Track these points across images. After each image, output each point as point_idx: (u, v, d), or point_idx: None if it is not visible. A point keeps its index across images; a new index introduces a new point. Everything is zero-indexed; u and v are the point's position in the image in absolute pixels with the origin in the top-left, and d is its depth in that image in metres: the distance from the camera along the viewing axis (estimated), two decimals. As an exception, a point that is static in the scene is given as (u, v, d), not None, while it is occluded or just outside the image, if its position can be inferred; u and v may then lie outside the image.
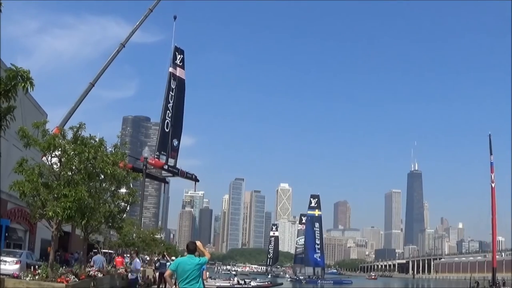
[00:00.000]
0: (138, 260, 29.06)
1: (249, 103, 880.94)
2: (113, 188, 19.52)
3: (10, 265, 26.60)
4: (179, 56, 72.13)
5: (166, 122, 68.94)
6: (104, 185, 18.59)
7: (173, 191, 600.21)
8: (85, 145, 15.96)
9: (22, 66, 9.66)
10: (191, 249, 12.00)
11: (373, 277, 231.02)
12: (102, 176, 17.66)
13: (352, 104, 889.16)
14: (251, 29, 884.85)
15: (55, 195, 14.49)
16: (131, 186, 23.85)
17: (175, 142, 69.64)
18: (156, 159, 65.26)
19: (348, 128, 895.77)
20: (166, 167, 67.22)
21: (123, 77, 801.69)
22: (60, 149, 15.39)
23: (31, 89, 9.87)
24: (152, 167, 64.57)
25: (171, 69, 70.50)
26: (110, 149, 18.20)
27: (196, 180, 77.46)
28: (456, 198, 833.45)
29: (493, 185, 74.29)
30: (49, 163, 15.56)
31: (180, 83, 71.43)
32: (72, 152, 15.56)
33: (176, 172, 69.81)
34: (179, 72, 71.46)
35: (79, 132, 16.43)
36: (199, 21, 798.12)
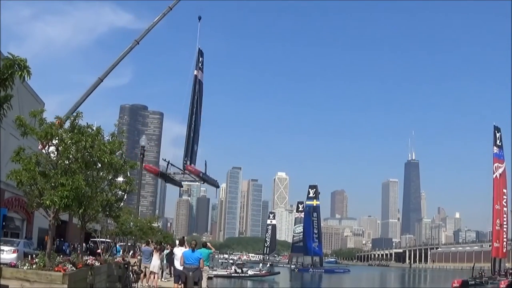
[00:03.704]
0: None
1: (246, 92, 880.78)
2: (110, 177, 19.39)
3: (7, 254, 26.61)
4: (201, 58, 69.43)
5: (191, 127, 66.15)
6: (101, 174, 18.48)
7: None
8: (82, 134, 15.88)
9: (15, 53, 9.62)
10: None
11: None
12: (99, 165, 17.57)
13: (349, 94, 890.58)
14: (245, 9, 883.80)
15: (52, 184, 14.42)
16: (129, 175, 23.78)
17: (195, 147, 67.34)
18: (195, 168, 63.17)
19: (345, 117, 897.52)
20: (201, 174, 64.67)
21: (118, 65, 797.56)
22: (57, 138, 15.32)
23: (28, 77, 9.82)
24: (188, 173, 62.81)
25: (195, 72, 67.66)
26: (107, 138, 18.10)
27: (217, 186, 76.52)
28: (453, 187, 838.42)
29: (494, 176, 74.72)
30: (46, 152, 15.49)
31: (200, 86, 68.98)
32: (69, 141, 15.49)
33: (206, 179, 67.33)
34: (199, 75, 68.91)
35: (76, 120, 16.35)
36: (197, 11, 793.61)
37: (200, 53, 68.81)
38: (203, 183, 72.15)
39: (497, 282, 67.60)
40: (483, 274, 72.78)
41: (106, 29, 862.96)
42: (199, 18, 70.90)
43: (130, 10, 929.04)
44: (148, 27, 66.01)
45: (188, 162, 63.54)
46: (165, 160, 62.23)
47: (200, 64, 68.56)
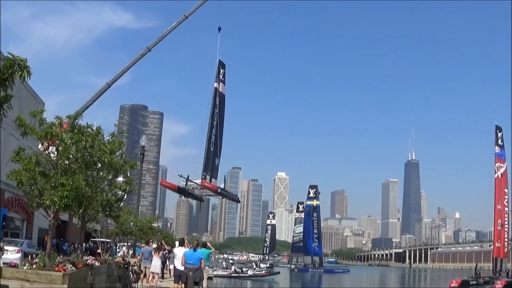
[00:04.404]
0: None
1: (246, 92, 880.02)
2: (110, 177, 19.39)
3: (11, 254, 26.79)
4: (222, 70, 66.35)
5: (211, 140, 63.77)
6: (101, 174, 18.48)
7: (170, 180, 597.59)
8: (82, 134, 15.88)
9: (14, 53, 9.61)
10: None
11: None
12: (99, 165, 17.57)
13: (349, 94, 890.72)
14: (246, 8, 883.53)
15: (52, 184, 14.40)
16: (129, 175, 23.77)
17: (217, 161, 65.37)
18: (212, 183, 61.64)
19: (345, 117, 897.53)
20: (219, 190, 63.13)
21: (116, 64, 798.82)
22: (57, 138, 15.32)
23: (28, 77, 9.81)
24: (206, 189, 61.30)
25: (215, 85, 65.04)
26: (107, 138, 18.11)
27: (238, 201, 75.72)
28: (453, 187, 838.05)
29: (495, 175, 74.78)
30: (47, 152, 15.48)
31: (221, 98, 66.27)
32: (69, 141, 15.49)
33: (225, 194, 65.76)
34: (221, 87, 66.58)
35: (76, 120, 16.36)
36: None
37: (221, 64, 66.26)
38: (222, 198, 71.18)
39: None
40: (479, 274, 72.68)
41: (106, 29, 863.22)
42: (219, 29, 67.56)
43: (129, 10, 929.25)
44: (161, 35, 63.88)
45: (208, 177, 62.07)
46: (181, 176, 61.05)
47: (221, 76, 66.05)
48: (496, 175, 74.95)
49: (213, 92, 64.32)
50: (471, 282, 68.47)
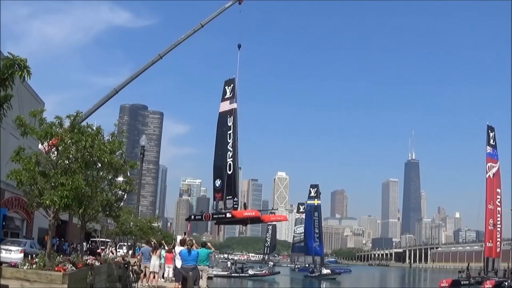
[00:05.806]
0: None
1: (245, 92, 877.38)
2: (110, 177, 19.38)
3: (15, 253, 26.98)
4: (236, 88, 64.07)
5: (228, 164, 61.18)
6: (101, 173, 18.47)
7: (170, 179, 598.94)
8: (82, 134, 15.87)
9: (12, 52, 9.61)
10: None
11: None
12: (99, 165, 17.56)
13: (349, 94, 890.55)
14: (246, 9, 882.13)
15: (52, 184, 14.39)
16: (129, 174, 23.76)
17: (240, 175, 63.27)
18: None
19: (345, 117, 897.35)
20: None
21: (115, 63, 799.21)
22: (57, 138, 15.31)
23: (28, 77, 9.81)
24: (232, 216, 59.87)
25: (235, 105, 62.36)
26: (107, 138, 18.11)
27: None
28: (453, 187, 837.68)
29: (486, 175, 74.87)
30: (47, 151, 15.49)
31: (235, 113, 63.30)
32: (69, 141, 15.48)
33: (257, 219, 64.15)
34: (234, 105, 63.40)
35: (76, 120, 16.35)
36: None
37: (233, 81, 63.86)
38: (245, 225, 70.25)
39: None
40: (469, 274, 72.89)
41: (104, 28, 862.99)
42: (239, 46, 65.61)
43: (128, 9, 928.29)
44: (174, 43, 61.99)
45: (231, 201, 60.93)
46: (268, 210, 60.02)
47: (231, 93, 63.76)
48: (487, 175, 75.12)
49: (233, 114, 61.92)
50: (462, 282, 68.61)
